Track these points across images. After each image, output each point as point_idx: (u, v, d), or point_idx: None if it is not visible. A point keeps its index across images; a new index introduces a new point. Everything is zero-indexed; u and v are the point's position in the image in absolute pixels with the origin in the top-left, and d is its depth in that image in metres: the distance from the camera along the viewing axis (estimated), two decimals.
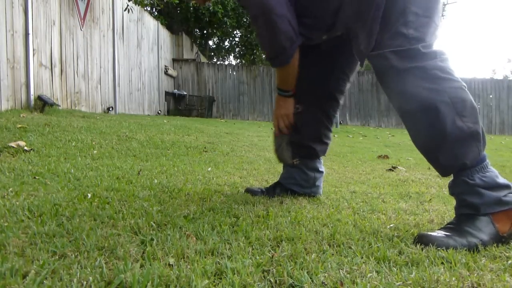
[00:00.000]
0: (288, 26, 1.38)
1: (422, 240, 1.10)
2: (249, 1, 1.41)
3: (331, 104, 1.70)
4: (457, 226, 1.15)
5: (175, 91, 11.14)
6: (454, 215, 1.23)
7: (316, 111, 1.68)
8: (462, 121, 1.17)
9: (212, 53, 18.16)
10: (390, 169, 2.88)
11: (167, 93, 10.74)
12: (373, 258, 0.98)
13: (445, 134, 1.17)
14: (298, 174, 1.73)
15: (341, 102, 1.73)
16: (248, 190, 1.73)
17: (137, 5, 7.51)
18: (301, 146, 1.70)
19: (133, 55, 8.21)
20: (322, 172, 1.78)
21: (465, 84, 1.24)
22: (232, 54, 18.98)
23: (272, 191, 1.73)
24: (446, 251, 1.04)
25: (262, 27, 1.40)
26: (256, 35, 1.46)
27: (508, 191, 1.16)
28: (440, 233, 1.13)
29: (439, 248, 1.06)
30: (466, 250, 1.07)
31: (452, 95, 1.19)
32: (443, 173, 1.25)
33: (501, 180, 1.17)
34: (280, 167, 2.41)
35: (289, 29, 1.38)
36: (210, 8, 12.09)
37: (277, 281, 0.83)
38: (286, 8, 1.37)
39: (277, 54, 1.44)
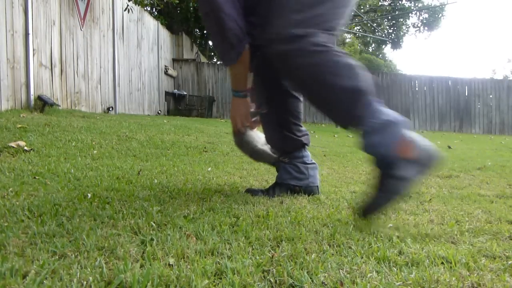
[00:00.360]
0: (235, 25, 1.43)
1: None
2: None
3: (292, 101, 1.77)
4: (383, 183, 1.27)
5: (175, 91, 11.14)
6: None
7: (280, 111, 1.75)
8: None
9: (212, 53, 18.14)
10: None
11: (167, 93, 10.74)
12: (373, 258, 0.98)
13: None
14: (292, 168, 1.78)
15: (302, 98, 1.79)
16: (249, 191, 1.74)
17: (137, 5, 7.51)
18: (283, 140, 1.78)
19: (133, 55, 8.21)
20: (311, 163, 1.81)
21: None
22: None
23: (272, 191, 1.74)
24: (447, 251, 1.04)
25: (212, 25, 1.45)
26: (209, 34, 1.48)
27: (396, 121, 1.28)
28: (372, 201, 1.27)
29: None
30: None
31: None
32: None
33: (391, 116, 1.28)
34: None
35: (235, 27, 1.43)
36: None
37: (277, 281, 0.83)
38: (232, 6, 1.42)
39: (226, 52, 1.49)
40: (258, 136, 1.77)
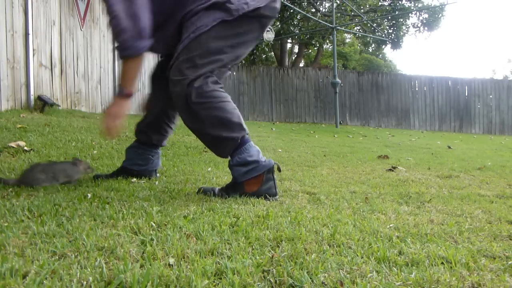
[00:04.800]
0: (147, 20, 1.54)
1: (203, 190, 1.66)
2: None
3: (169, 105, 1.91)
4: (227, 189, 1.68)
5: None
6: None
7: (159, 109, 1.93)
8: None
9: None
10: (390, 169, 2.88)
11: None
12: (373, 258, 0.98)
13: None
14: (137, 156, 1.95)
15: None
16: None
17: None
18: (142, 132, 1.96)
19: None
20: (155, 152, 2.01)
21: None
22: None
23: (115, 175, 1.90)
24: (447, 251, 1.04)
25: (128, 7, 1.51)
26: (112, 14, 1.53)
27: (256, 164, 1.64)
28: (218, 189, 1.68)
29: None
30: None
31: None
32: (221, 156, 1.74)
33: (252, 158, 1.64)
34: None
35: (148, 23, 1.54)
36: None
37: (277, 281, 0.83)
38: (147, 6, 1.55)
39: (133, 41, 1.53)
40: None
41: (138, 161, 1.94)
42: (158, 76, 1.95)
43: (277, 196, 1.66)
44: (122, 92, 1.62)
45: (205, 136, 1.68)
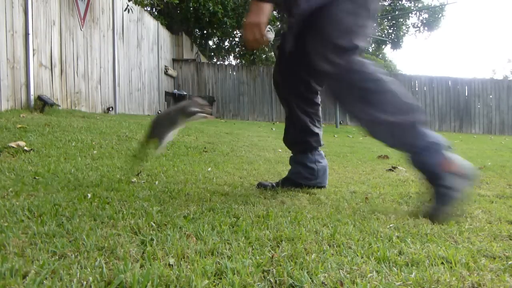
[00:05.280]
0: None
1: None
2: None
3: (306, 102, 1.84)
4: (439, 194, 1.43)
5: (175, 91, 11.14)
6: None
7: (299, 107, 1.82)
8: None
9: (212, 53, 18.14)
10: (390, 169, 2.88)
11: (167, 93, 10.73)
12: (373, 258, 0.98)
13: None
14: (303, 169, 1.89)
15: (316, 98, 1.87)
16: (260, 184, 1.88)
17: (137, 5, 7.51)
18: (296, 143, 1.90)
19: (133, 55, 8.21)
20: (324, 164, 1.93)
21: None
22: (232, 54, 18.96)
23: (282, 185, 1.88)
24: (447, 251, 1.04)
25: None
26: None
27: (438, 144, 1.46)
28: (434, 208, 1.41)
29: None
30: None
31: None
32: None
33: (435, 138, 1.47)
34: (279, 167, 2.41)
35: None
36: (210, 8, 12.09)
37: (277, 281, 0.83)
38: None
39: None
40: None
41: (307, 175, 1.88)
42: (277, 81, 1.85)
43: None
44: None
45: (381, 126, 1.47)
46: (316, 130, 1.88)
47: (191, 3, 12.00)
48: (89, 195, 1.48)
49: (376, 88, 1.47)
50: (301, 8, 1.47)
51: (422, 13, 17.02)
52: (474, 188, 2.17)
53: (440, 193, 1.41)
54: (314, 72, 1.58)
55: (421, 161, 1.46)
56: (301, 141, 1.88)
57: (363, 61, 1.49)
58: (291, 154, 1.96)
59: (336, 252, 1.02)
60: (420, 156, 1.46)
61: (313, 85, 1.83)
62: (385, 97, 1.46)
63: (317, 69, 1.52)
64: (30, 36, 4.38)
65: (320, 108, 1.91)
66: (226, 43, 18.14)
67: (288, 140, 1.92)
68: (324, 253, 1.00)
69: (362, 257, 0.99)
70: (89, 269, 0.82)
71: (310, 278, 0.84)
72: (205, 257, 0.94)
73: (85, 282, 0.76)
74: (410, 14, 16.94)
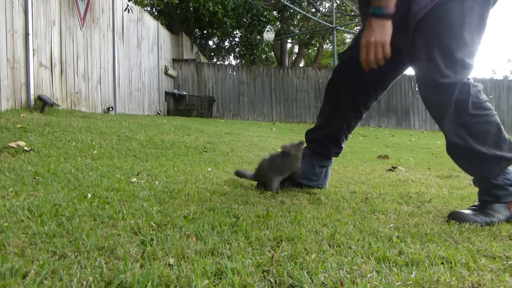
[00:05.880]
0: None
1: (456, 217, 1.39)
2: None
3: (356, 115, 1.81)
4: (482, 208, 1.45)
5: (175, 91, 11.14)
6: (478, 199, 1.52)
7: (342, 118, 1.80)
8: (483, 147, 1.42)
9: (212, 53, 18.14)
10: (390, 169, 2.88)
11: (167, 93, 10.73)
12: (373, 258, 0.98)
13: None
14: (307, 169, 1.87)
15: (364, 115, 1.85)
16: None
17: (137, 5, 7.51)
18: (318, 143, 1.86)
19: (133, 55, 8.21)
20: (329, 165, 1.94)
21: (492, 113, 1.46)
22: (232, 54, 18.97)
23: (282, 184, 1.87)
24: (447, 251, 1.04)
25: None
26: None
27: None
28: (469, 212, 1.43)
29: (467, 223, 1.35)
30: (485, 225, 1.36)
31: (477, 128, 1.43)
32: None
33: None
34: None
35: None
36: (210, 8, 12.09)
37: (277, 281, 0.83)
38: None
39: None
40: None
41: (310, 176, 1.87)
42: (341, 80, 1.74)
43: None
44: (382, 12, 1.33)
45: (472, 154, 1.42)
46: (343, 144, 1.89)
47: (191, 3, 12.00)
48: (89, 195, 1.48)
49: (480, 118, 1.40)
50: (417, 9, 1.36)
51: None
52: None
53: (484, 213, 1.43)
54: (420, 83, 1.44)
55: (498, 194, 1.45)
56: (326, 146, 1.86)
57: (475, 83, 1.41)
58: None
59: (336, 252, 1.02)
60: (499, 189, 1.45)
61: (371, 100, 1.78)
62: (488, 129, 1.42)
63: (427, 80, 1.40)
64: (30, 36, 4.38)
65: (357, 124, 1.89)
66: (226, 43, 18.15)
67: (314, 137, 1.87)
68: (324, 253, 1.00)
69: (362, 257, 0.99)
70: (89, 269, 0.82)
71: (310, 278, 0.84)
72: (205, 257, 0.94)
73: (85, 282, 0.76)
74: None
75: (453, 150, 1.49)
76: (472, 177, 1.55)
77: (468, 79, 1.39)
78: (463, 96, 1.36)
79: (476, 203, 1.51)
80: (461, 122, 1.40)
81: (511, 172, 1.47)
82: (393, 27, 1.36)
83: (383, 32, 1.35)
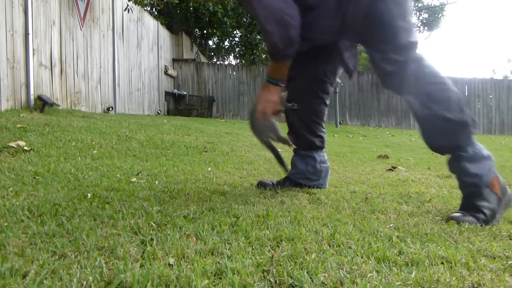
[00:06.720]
0: (297, 24, 1.52)
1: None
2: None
3: (318, 102, 1.89)
4: (469, 203, 1.43)
5: (175, 91, 11.14)
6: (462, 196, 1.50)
7: (306, 109, 1.85)
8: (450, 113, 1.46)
9: (212, 53, 18.14)
10: (390, 169, 2.88)
11: (167, 93, 10.73)
12: (373, 258, 0.98)
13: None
14: (307, 168, 1.90)
15: (327, 101, 1.93)
16: (260, 183, 1.88)
17: (137, 5, 7.51)
18: (297, 138, 1.90)
19: (133, 55, 8.21)
20: (328, 165, 1.97)
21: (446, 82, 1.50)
22: (232, 54, 18.96)
23: (282, 185, 1.88)
24: (447, 251, 1.04)
25: (273, 21, 1.52)
26: (263, 29, 1.56)
27: (491, 160, 1.47)
28: (459, 215, 1.39)
29: (464, 223, 1.32)
30: (484, 224, 1.35)
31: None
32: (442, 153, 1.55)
33: (485, 152, 1.47)
34: (279, 167, 2.42)
35: (297, 27, 1.52)
36: (210, 8, 12.09)
37: (277, 281, 0.83)
38: (294, 8, 1.51)
39: (282, 49, 1.56)
40: (276, 126, 1.82)
41: (309, 175, 1.90)
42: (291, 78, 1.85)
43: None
44: (276, 82, 1.66)
45: (440, 121, 1.47)
46: (319, 132, 1.91)
47: (191, 3, 12.00)
48: (89, 195, 1.48)
49: (439, 86, 1.49)
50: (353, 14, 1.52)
51: (422, 13, 17.03)
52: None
53: (473, 207, 1.41)
54: (379, 74, 1.60)
55: (468, 169, 1.45)
56: (304, 137, 1.90)
57: (423, 57, 1.53)
58: (293, 154, 1.96)
59: (336, 252, 1.02)
60: (468, 163, 1.45)
61: (327, 84, 1.88)
62: (448, 95, 1.48)
63: (381, 71, 1.55)
64: (30, 36, 4.38)
65: (326, 110, 1.94)
66: (226, 43, 18.15)
67: (293, 134, 1.92)
68: (324, 253, 1.00)
69: (362, 257, 0.99)
70: (89, 269, 0.82)
71: (310, 278, 0.84)
72: (205, 257, 0.94)
73: (85, 282, 0.76)
74: None
75: (423, 126, 1.53)
76: (447, 161, 1.53)
77: (418, 54, 1.52)
78: (418, 69, 1.49)
79: (462, 200, 1.50)
80: (422, 92, 1.49)
81: (476, 143, 1.49)
82: (336, 29, 1.57)
83: (276, 95, 1.66)
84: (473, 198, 1.44)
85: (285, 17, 1.50)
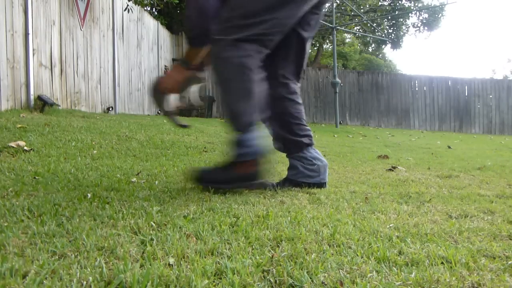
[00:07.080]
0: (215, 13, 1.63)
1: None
2: None
3: (289, 104, 1.92)
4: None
5: None
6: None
7: (282, 115, 1.91)
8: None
9: None
10: (390, 169, 2.88)
11: None
12: (373, 258, 0.98)
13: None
14: (305, 167, 1.89)
15: (299, 99, 1.98)
16: (260, 183, 1.84)
17: (137, 5, 7.51)
18: (288, 142, 1.91)
19: (133, 55, 8.21)
20: (325, 162, 1.94)
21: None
22: None
23: (281, 185, 1.87)
24: (447, 251, 1.04)
25: (195, 8, 1.64)
26: (186, 14, 1.67)
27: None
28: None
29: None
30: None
31: None
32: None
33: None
34: (279, 167, 2.42)
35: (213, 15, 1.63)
36: None
37: (277, 281, 0.83)
38: None
39: (201, 35, 1.67)
40: (166, 102, 1.89)
41: (307, 172, 1.90)
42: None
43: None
44: (187, 64, 1.76)
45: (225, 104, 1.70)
46: (298, 131, 1.92)
47: None
48: (89, 195, 1.48)
49: (240, 83, 1.63)
50: None
51: (422, 13, 17.03)
52: (474, 188, 2.17)
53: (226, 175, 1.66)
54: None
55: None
56: (294, 140, 1.90)
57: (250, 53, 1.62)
58: (290, 158, 1.95)
59: (336, 252, 1.02)
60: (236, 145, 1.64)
61: (288, 69, 1.93)
62: (244, 93, 1.63)
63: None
64: (30, 36, 4.38)
65: (302, 107, 1.98)
66: None
67: (275, 139, 1.96)
68: (324, 253, 1.00)
69: (362, 257, 0.99)
70: (89, 269, 0.82)
71: (310, 278, 0.84)
72: (205, 257, 0.94)
73: (85, 282, 0.76)
74: (410, 14, 16.95)
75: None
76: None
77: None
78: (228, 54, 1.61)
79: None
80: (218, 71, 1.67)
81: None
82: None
83: (181, 75, 1.78)
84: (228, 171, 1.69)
85: (205, 4, 1.61)
